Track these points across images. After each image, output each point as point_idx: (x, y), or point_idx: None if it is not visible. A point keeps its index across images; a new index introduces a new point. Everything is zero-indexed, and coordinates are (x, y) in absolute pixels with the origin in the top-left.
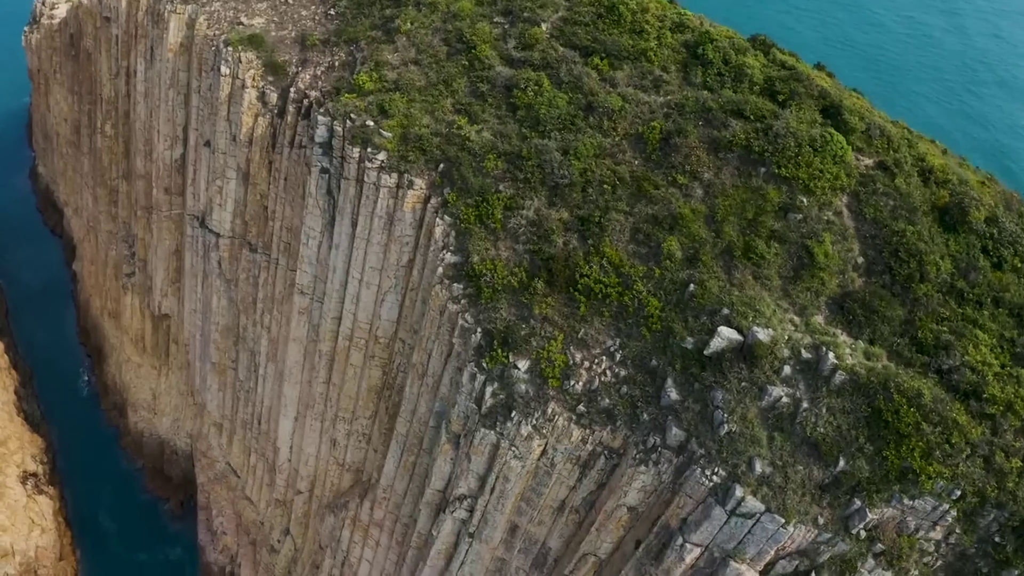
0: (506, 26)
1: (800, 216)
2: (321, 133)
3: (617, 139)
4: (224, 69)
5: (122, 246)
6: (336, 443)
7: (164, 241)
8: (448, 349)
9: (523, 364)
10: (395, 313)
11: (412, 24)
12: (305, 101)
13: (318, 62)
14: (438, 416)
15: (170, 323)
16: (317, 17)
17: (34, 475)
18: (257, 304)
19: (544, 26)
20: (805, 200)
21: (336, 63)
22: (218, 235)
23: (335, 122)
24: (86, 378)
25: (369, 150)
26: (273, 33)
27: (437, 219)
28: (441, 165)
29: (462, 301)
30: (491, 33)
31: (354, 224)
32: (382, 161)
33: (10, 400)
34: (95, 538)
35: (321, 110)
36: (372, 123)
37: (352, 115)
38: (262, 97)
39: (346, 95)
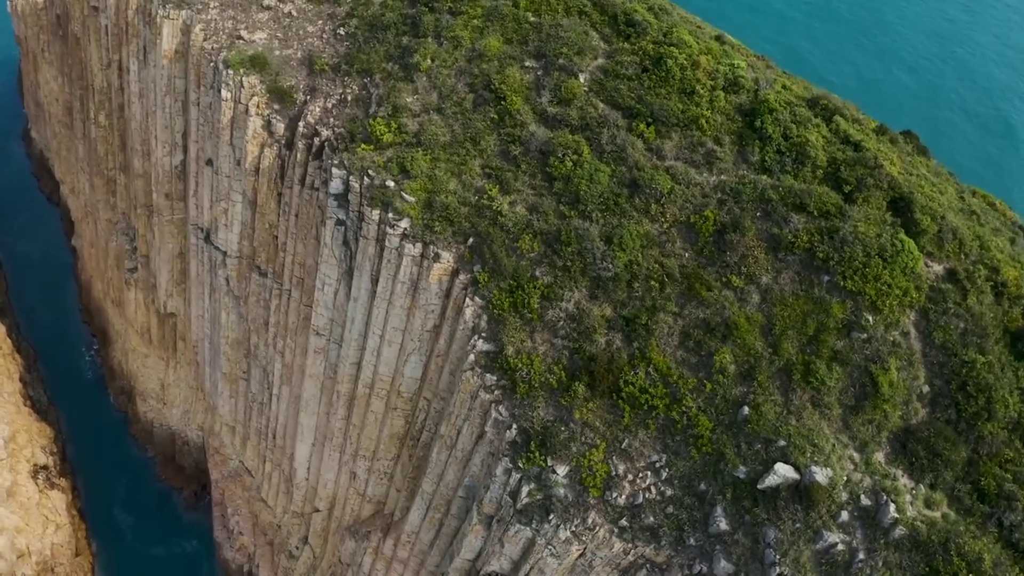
0: (539, 72)
1: (865, 336)
2: (336, 185)
3: (666, 226)
4: (225, 93)
5: (123, 239)
6: (356, 476)
7: (167, 244)
8: (479, 432)
9: (562, 469)
10: (419, 372)
11: (432, 61)
12: (316, 140)
13: (328, 92)
14: (468, 490)
15: (177, 321)
16: (325, 35)
17: (45, 468)
18: (269, 327)
19: (582, 77)
20: (871, 318)
21: (348, 96)
22: (225, 254)
23: (351, 176)
24: (91, 359)
25: (390, 215)
26: (277, 52)
27: (467, 299)
28: (470, 239)
29: (495, 392)
30: (522, 81)
31: (374, 282)
32: (405, 228)
33: (16, 389)
34: (110, 531)
35: (336, 161)
36: (392, 183)
37: (370, 171)
38: (268, 126)
39: (362, 146)
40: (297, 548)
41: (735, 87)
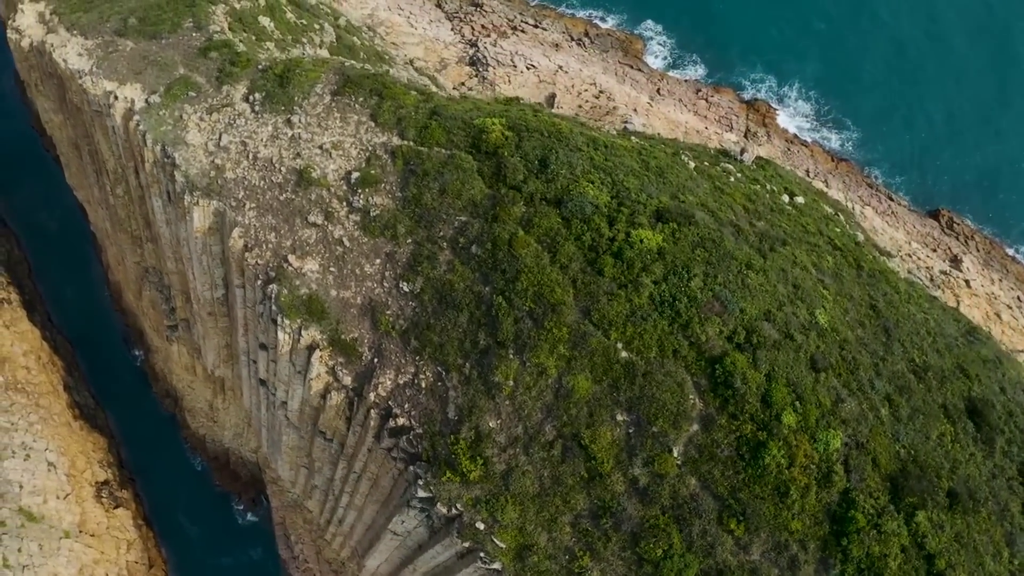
0: (630, 430)
1: None
2: (423, 495)
3: None
4: (282, 335)
5: (157, 294)
6: None
7: (212, 339)
8: None
9: None
10: None
11: (514, 382)
12: (392, 421)
13: (399, 365)
14: None
15: (227, 380)
16: (387, 284)
17: (106, 483)
18: (338, 469)
19: (676, 451)
20: None
21: (423, 382)
22: (286, 407)
23: (439, 502)
24: (128, 352)
25: (482, 555)
26: (333, 292)
27: None
28: None
29: None
30: (613, 439)
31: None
32: (497, 570)
33: (64, 405)
34: (177, 540)
35: (420, 481)
36: (482, 525)
37: (457, 505)
38: (333, 373)
39: (448, 473)
40: None
41: (828, 481)
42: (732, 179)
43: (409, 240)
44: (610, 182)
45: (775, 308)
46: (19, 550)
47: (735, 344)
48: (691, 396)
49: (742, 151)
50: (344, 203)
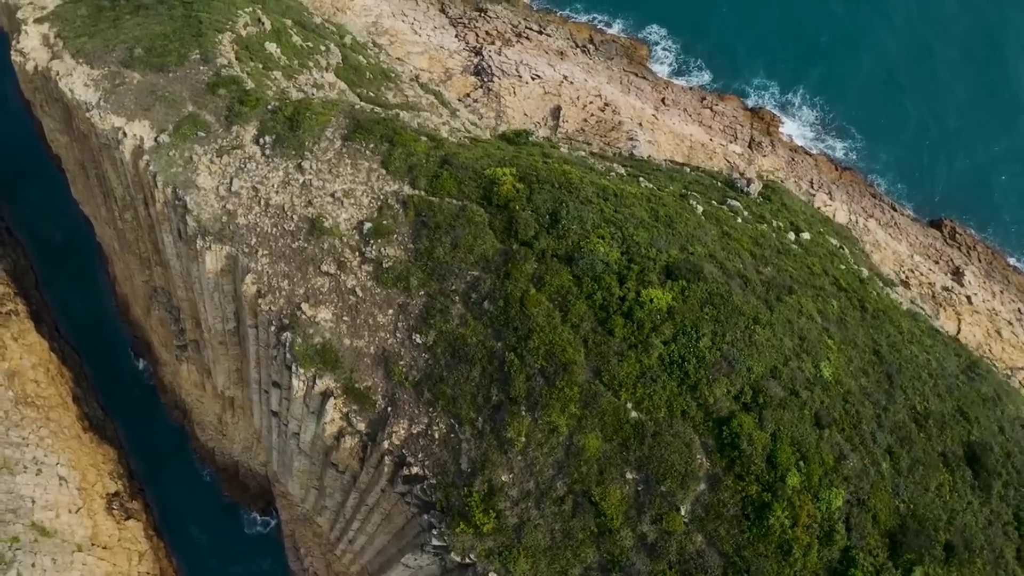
0: (639, 487)
1: None
2: (437, 543)
3: None
4: (296, 382)
5: (165, 313)
6: None
7: (223, 363)
8: None
9: None
10: None
11: (526, 438)
12: (406, 469)
13: (412, 415)
14: None
15: (237, 399)
16: (399, 335)
17: (116, 495)
18: (350, 498)
19: (683, 509)
20: None
21: (436, 433)
22: (298, 437)
23: (453, 551)
24: (135, 362)
25: None
26: (347, 341)
27: None
28: None
29: None
30: (623, 496)
31: None
32: None
33: (73, 418)
34: (187, 549)
35: (435, 531)
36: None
37: (471, 555)
38: (347, 419)
39: (462, 524)
40: None
41: (829, 539)
42: (739, 219)
43: (422, 292)
44: (620, 237)
45: (781, 364)
46: (33, 565)
47: (742, 404)
48: (699, 456)
49: (748, 182)
50: (357, 253)
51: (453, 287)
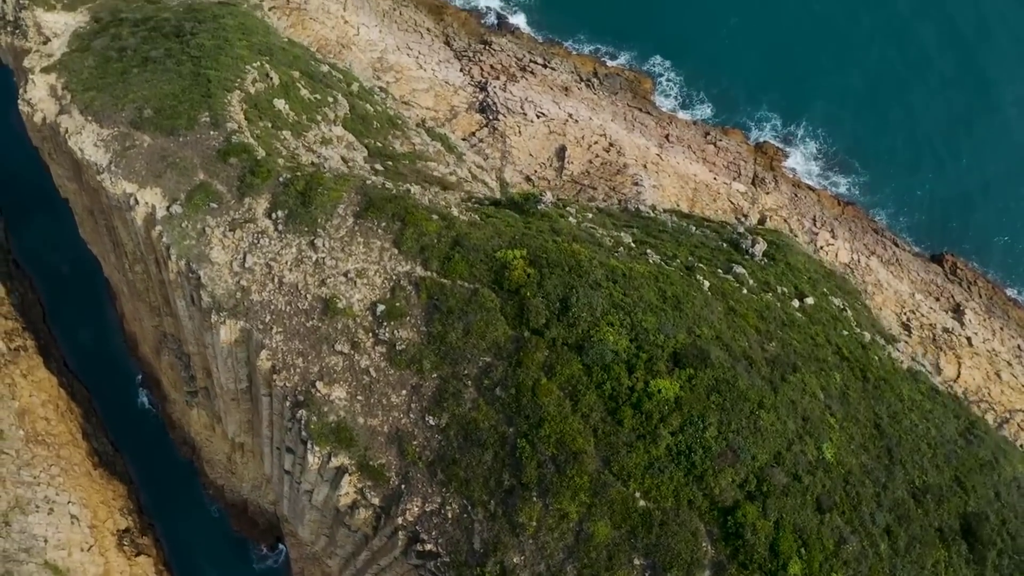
0: (647, 574)
1: None
2: None
3: None
4: (311, 458)
5: (175, 359)
6: None
7: (234, 414)
8: None
9: None
10: None
11: (537, 523)
12: (419, 546)
13: (426, 494)
14: None
15: (247, 445)
16: (412, 415)
17: (127, 531)
18: (362, 555)
19: None
20: None
21: (449, 513)
22: (311, 495)
23: None
24: (143, 395)
25: None
26: (360, 419)
27: None
28: None
29: None
30: None
31: None
32: None
33: (84, 454)
34: None
35: None
36: None
37: None
38: (361, 493)
39: None
40: None
41: None
42: (744, 290)
43: (435, 375)
44: (629, 323)
45: (784, 449)
46: None
47: (746, 492)
48: (704, 544)
49: (753, 242)
50: (370, 334)
51: (465, 371)
